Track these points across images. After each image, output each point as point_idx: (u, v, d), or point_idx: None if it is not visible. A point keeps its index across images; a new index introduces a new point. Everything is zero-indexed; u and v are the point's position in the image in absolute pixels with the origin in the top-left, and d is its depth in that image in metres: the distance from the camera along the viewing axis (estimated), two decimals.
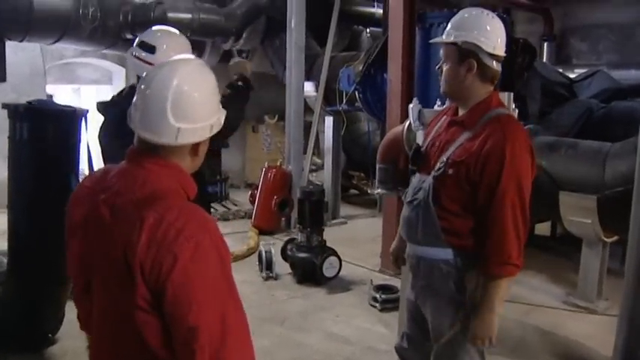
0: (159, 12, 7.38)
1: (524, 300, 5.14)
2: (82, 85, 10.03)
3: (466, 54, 2.29)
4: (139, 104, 1.49)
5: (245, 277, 5.84)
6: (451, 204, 2.32)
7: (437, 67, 2.44)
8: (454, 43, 2.31)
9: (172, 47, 2.76)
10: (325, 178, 8.77)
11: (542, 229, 7.22)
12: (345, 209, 9.04)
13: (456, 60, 2.31)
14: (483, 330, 2.27)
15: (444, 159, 2.33)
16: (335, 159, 8.63)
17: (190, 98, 1.47)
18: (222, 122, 1.58)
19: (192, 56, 1.72)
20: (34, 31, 6.09)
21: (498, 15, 2.47)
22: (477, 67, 2.29)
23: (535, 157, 2.33)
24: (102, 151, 3.08)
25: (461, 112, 2.42)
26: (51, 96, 9.89)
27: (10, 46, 7.05)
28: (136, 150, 1.52)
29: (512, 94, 4.02)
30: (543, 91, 6.77)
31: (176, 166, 1.51)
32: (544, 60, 9.97)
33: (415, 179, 2.51)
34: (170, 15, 7.47)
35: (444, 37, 2.37)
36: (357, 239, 7.36)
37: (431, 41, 2.57)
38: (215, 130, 1.55)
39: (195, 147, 1.53)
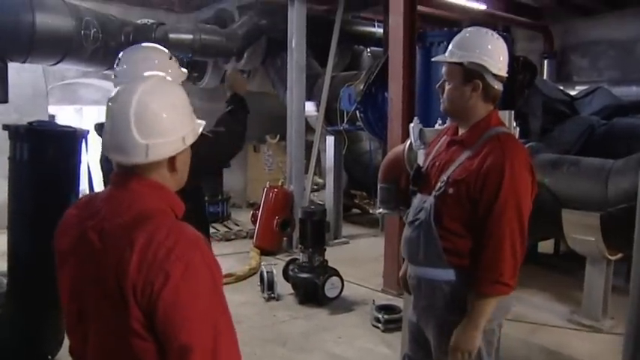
0: (160, 33, 7.42)
1: (528, 319, 5.09)
2: (84, 105, 10.08)
3: (472, 74, 2.28)
4: (106, 127, 1.49)
5: (247, 297, 5.81)
6: (453, 223, 2.30)
7: (437, 85, 2.43)
8: (459, 63, 2.30)
9: (140, 61, 2.55)
10: (327, 197, 8.74)
11: (546, 246, 7.17)
12: (347, 229, 9.00)
13: (461, 80, 2.30)
14: (465, 343, 2.25)
15: (445, 178, 2.32)
16: (336, 178, 8.61)
17: (153, 113, 1.46)
18: (199, 133, 1.58)
19: (159, 73, 1.70)
20: (36, 52, 6.10)
21: (499, 34, 2.47)
22: (482, 88, 2.29)
23: (535, 175, 2.32)
24: (103, 175, 3.06)
25: (461, 131, 2.42)
26: (53, 116, 9.94)
27: (14, 67, 7.06)
28: (118, 173, 1.52)
29: (513, 112, 4.01)
30: (544, 109, 6.77)
31: (158, 184, 1.51)
32: (544, 77, 10.00)
33: (416, 200, 2.49)
34: (171, 36, 7.51)
35: (447, 55, 2.36)
36: (360, 259, 7.31)
37: (435, 59, 2.51)
38: (189, 142, 1.53)
39: (171, 162, 1.52)
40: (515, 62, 6.57)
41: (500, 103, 2.47)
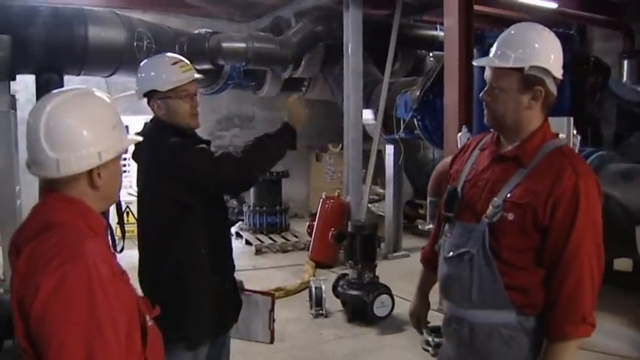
0: (213, 42, 7.39)
1: (597, 347, 4.56)
2: (148, 115, 10.23)
3: (532, 81, 1.90)
4: (26, 139, 1.46)
5: (295, 314, 5.61)
6: (514, 255, 1.91)
7: (482, 94, 2.02)
8: (517, 68, 1.91)
9: (149, 72, 2.57)
10: (386, 208, 8.42)
11: (623, 264, 6.55)
12: (409, 241, 8.62)
13: (518, 87, 1.92)
14: None
15: (500, 202, 1.92)
16: (396, 189, 8.27)
17: (63, 125, 1.42)
18: (123, 148, 1.54)
19: (86, 87, 1.58)
20: (90, 64, 6.20)
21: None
22: (544, 96, 1.92)
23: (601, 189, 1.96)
24: None
25: (506, 145, 2.02)
26: (127, 127, 10.15)
27: (78, 79, 7.24)
28: (42, 187, 1.52)
29: (572, 118, 3.63)
30: (619, 113, 6.22)
31: (73, 199, 1.47)
32: (624, 79, 9.30)
33: (456, 228, 2.07)
34: (224, 45, 7.46)
35: (497, 59, 1.96)
36: (418, 274, 6.93)
37: (479, 62, 2.08)
38: (105, 158, 1.47)
39: (90, 177, 1.47)
40: (586, 63, 6.08)
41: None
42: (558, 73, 1.93)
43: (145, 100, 2.59)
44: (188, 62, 2.61)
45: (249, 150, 2.54)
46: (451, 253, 2.05)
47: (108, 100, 1.55)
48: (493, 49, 1.99)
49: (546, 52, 1.92)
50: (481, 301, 1.97)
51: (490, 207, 1.93)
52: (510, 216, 1.89)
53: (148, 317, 1.56)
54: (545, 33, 1.97)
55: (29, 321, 1.31)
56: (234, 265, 2.73)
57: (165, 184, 2.44)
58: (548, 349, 1.89)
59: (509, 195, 1.92)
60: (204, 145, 2.57)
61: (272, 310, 2.81)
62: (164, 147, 2.44)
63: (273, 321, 2.82)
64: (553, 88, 1.94)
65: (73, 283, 1.30)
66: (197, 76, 2.60)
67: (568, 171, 1.85)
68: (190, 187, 2.44)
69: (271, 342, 2.88)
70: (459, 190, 2.09)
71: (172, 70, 2.51)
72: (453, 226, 2.09)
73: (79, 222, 1.45)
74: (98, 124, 1.47)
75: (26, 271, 1.36)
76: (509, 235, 1.91)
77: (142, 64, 2.64)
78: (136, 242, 2.63)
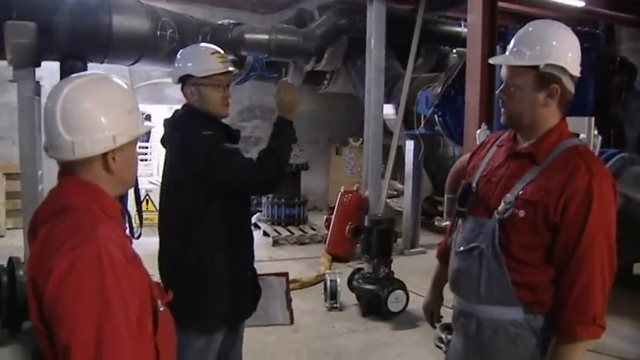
0: (236, 33, 7.41)
1: (612, 351, 4.53)
2: (170, 105, 10.31)
3: (548, 78, 1.89)
4: (44, 121, 1.49)
5: (309, 306, 5.61)
6: (523, 252, 1.91)
7: (498, 91, 2.01)
8: (533, 66, 1.89)
9: (186, 58, 2.63)
10: (405, 204, 8.39)
11: None
12: (427, 237, 8.57)
13: (533, 85, 1.90)
14: None
15: (512, 198, 1.91)
16: (415, 184, 8.24)
17: (79, 109, 1.44)
18: (139, 134, 1.55)
19: (104, 73, 1.61)
20: (114, 53, 6.24)
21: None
22: (560, 94, 1.91)
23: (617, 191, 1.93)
24: None
25: (523, 142, 2.02)
26: (149, 116, 10.27)
27: (101, 68, 7.31)
28: (59, 171, 1.53)
29: (593, 118, 3.58)
30: None
31: (88, 182, 1.50)
32: None
33: (468, 223, 2.07)
34: (247, 36, 7.47)
35: (513, 57, 1.94)
36: (434, 270, 6.92)
37: (495, 60, 2.10)
38: (120, 142, 1.48)
39: (105, 161, 1.49)
40: (612, 63, 5.99)
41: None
42: (575, 70, 1.91)
43: (174, 83, 2.64)
44: (225, 55, 2.67)
45: (265, 159, 2.58)
46: (462, 248, 2.06)
47: (125, 86, 1.57)
48: (509, 47, 1.98)
49: (563, 50, 1.90)
50: (489, 296, 1.97)
51: (502, 203, 1.93)
52: (521, 213, 1.89)
53: (160, 302, 1.57)
54: (562, 30, 1.94)
55: (42, 302, 1.34)
56: (254, 255, 2.77)
57: (191, 172, 2.49)
58: (556, 349, 1.88)
59: (521, 192, 1.91)
60: (236, 147, 2.61)
61: (288, 290, 2.85)
62: (196, 138, 2.47)
63: (290, 301, 2.85)
64: (570, 86, 1.92)
65: (85, 266, 1.32)
66: (232, 68, 2.66)
67: (582, 170, 1.83)
68: (214, 182, 2.48)
69: (291, 322, 2.91)
70: (473, 185, 2.09)
71: (210, 58, 2.57)
72: (465, 221, 2.09)
73: (94, 206, 1.47)
74: (114, 108, 1.49)
75: (41, 253, 1.39)
76: (519, 232, 1.90)
77: (180, 51, 2.72)
78: (155, 230, 2.68)
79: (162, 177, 2.75)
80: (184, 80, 2.59)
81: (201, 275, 2.52)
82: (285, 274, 2.89)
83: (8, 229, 8.33)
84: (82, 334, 1.29)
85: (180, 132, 2.56)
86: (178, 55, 2.68)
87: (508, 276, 1.92)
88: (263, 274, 2.85)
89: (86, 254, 1.33)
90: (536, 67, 1.88)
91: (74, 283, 1.31)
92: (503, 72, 1.98)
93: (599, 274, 1.83)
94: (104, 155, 1.48)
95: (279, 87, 2.69)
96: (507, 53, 1.98)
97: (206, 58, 2.57)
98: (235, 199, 2.60)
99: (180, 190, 2.57)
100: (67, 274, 1.31)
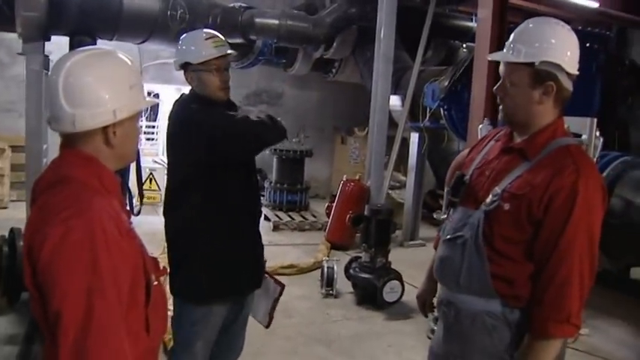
0: (247, 16, 7.40)
1: (602, 353, 4.54)
2: (177, 85, 10.31)
3: (543, 75, 1.89)
4: (47, 94, 1.55)
5: (305, 291, 5.67)
6: (505, 245, 1.93)
7: (495, 88, 2.02)
8: (528, 63, 1.90)
9: (184, 46, 2.73)
10: (406, 196, 8.42)
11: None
12: (426, 231, 8.57)
13: (529, 82, 1.91)
14: None
15: (499, 191, 1.94)
16: (418, 177, 8.26)
17: (81, 82, 1.47)
18: (140, 109, 1.58)
19: (109, 48, 1.63)
20: (123, 30, 6.26)
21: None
22: (555, 91, 1.91)
23: (606, 194, 1.95)
24: None
25: (518, 138, 2.04)
26: (157, 95, 10.27)
27: (111, 45, 7.33)
28: (60, 143, 1.56)
29: (595, 119, 3.58)
30: None
31: (88, 155, 1.52)
32: None
33: (457, 213, 2.11)
34: (257, 20, 7.47)
35: (510, 53, 1.95)
36: None
37: (493, 57, 2.07)
38: (120, 116, 1.50)
39: (106, 135, 1.52)
40: (620, 65, 5.97)
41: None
42: (573, 69, 1.92)
43: (176, 70, 2.75)
44: (222, 38, 2.74)
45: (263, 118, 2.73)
46: (448, 236, 2.10)
47: (128, 61, 1.58)
48: (507, 43, 1.99)
49: (561, 48, 1.91)
50: (468, 286, 2.02)
51: (490, 195, 1.97)
52: (506, 206, 1.92)
53: (153, 277, 1.60)
54: (560, 28, 1.95)
55: (37, 268, 1.37)
56: (259, 235, 2.87)
57: (187, 145, 2.60)
58: (528, 345, 1.91)
59: (508, 186, 1.94)
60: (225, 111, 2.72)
61: (278, 298, 2.90)
62: (187, 110, 2.65)
63: (274, 308, 2.92)
64: (567, 84, 1.93)
65: (77, 237, 1.35)
66: (229, 51, 2.73)
67: (570, 168, 1.85)
68: (210, 148, 2.54)
69: (267, 326, 2.99)
70: (467, 177, 2.13)
71: (205, 44, 2.65)
72: (455, 211, 2.13)
73: (92, 179, 1.50)
74: (115, 82, 1.51)
75: (37, 220, 1.42)
76: (503, 225, 1.93)
77: (181, 37, 2.80)
78: (156, 209, 2.76)
79: (167, 156, 2.88)
80: (185, 67, 2.69)
81: (199, 248, 2.63)
82: (283, 286, 2.96)
83: (12, 200, 8.39)
84: (72, 301, 1.32)
85: (187, 110, 2.67)
86: (179, 43, 2.78)
87: (487, 267, 1.95)
88: (266, 272, 2.95)
89: (79, 226, 1.36)
90: (531, 64, 1.89)
91: (67, 252, 1.34)
92: (501, 69, 2.00)
93: (577, 271, 1.84)
94: (104, 129, 1.51)
95: None
96: (505, 50, 1.99)
97: (202, 45, 2.66)
98: (236, 172, 2.68)
99: (180, 163, 2.70)
100: (61, 242, 1.34)
